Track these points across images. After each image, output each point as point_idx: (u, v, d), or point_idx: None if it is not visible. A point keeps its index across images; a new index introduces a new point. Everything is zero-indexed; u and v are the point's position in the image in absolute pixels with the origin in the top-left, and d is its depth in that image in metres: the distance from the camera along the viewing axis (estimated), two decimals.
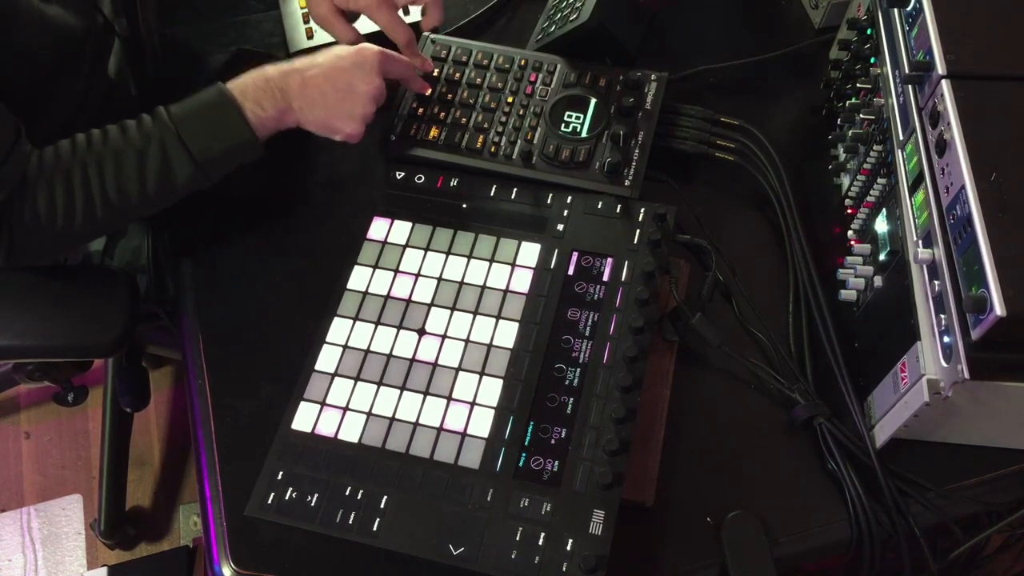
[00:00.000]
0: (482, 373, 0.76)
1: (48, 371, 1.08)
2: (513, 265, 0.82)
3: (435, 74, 0.95)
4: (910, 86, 0.74)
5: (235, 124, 0.79)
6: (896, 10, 0.78)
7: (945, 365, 0.65)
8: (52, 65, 0.86)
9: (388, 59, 0.84)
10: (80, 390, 1.17)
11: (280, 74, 0.81)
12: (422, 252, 0.83)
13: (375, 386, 0.76)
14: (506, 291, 0.81)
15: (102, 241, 1.05)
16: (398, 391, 0.76)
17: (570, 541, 0.68)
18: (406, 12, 0.98)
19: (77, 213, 0.78)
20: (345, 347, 0.79)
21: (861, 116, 0.85)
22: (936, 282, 0.67)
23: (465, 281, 0.82)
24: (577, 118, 0.90)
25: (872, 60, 0.86)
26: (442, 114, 0.92)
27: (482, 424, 0.74)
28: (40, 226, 0.77)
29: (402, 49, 0.90)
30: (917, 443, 0.76)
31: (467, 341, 0.78)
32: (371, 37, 0.90)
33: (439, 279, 0.82)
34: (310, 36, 1.00)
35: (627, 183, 0.86)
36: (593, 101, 0.91)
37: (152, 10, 1.05)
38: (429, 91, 0.93)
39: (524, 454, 0.72)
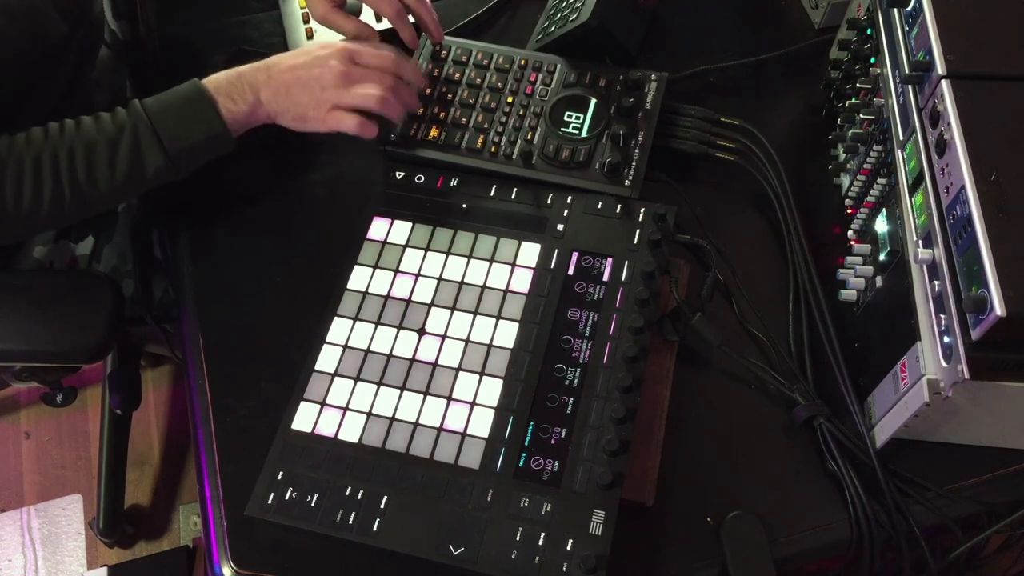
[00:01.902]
0: (482, 373, 0.76)
1: (36, 372, 1.07)
2: (513, 265, 0.82)
3: (435, 74, 0.95)
4: (910, 86, 0.74)
5: (208, 118, 0.81)
6: (896, 10, 0.78)
7: (945, 365, 0.65)
8: (29, 60, 0.85)
9: (353, 49, 0.85)
10: (69, 391, 1.17)
11: (251, 70, 0.84)
12: (422, 252, 0.83)
13: (375, 386, 0.76)
14: (506, 291, 0.81)
15: (89, 245, 1.04)
16: (398, 391, 0.76)
17: (570, 541, 0.68)
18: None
19: (45, 197, 0.78)
20: (345, 347, 0.79)
21: (861, 116, 0.85)
22: (936, 282, 0.67)
23: (465, 281, 0.82)
24: (577, 118, 0.90)
25: (872, 60, 0.86)
26: (442, 114, 0.92)
27: (482, 424, 0.74)
28: (7, 209, 0.78)
29: (391, 21, 0.90)
30: (917, 443, 0.77)
31: (467, 341, 0.78)
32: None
33: (439, 279, 0.82)
34: (310, 36, 1.00)
35: (627, 183, 0.86)
36: (593, 101, 0.91)
37: (152, 10, 1.05)
38: (427, 89, 0.93)
39: (524, 454, 0.72)
